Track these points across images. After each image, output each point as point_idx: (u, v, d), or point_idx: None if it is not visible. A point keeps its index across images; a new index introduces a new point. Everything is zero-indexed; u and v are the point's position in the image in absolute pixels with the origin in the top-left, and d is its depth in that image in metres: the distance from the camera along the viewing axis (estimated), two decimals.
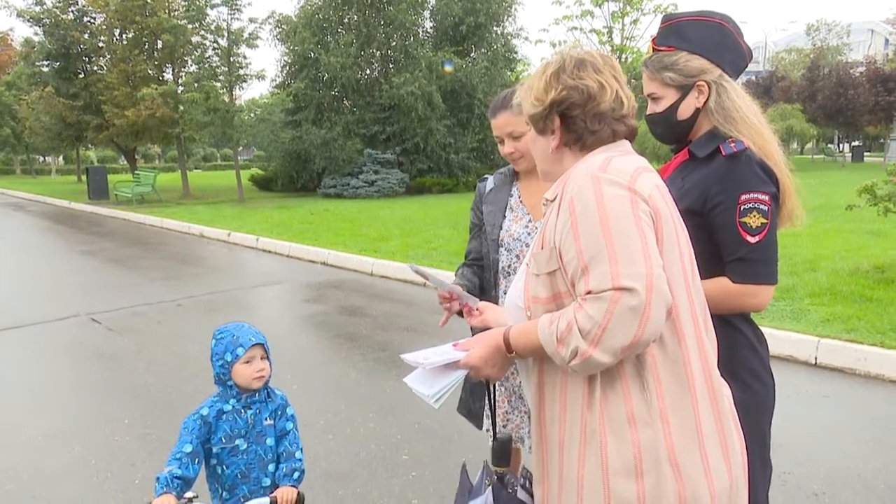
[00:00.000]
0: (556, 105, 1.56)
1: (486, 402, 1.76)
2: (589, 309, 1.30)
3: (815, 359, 5.34)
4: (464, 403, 2.73)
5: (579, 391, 1.43)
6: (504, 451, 1.79)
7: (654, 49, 2.01)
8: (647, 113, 2.08)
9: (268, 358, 2.24)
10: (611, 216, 1.35)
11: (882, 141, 44.05)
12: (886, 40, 63.73)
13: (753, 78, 41.22)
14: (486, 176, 2.69)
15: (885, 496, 3.38)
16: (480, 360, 1.58)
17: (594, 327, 1.28)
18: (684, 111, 1.98)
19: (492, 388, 1.78)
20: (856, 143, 44.71)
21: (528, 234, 2.42)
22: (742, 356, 1.91)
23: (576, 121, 1.55)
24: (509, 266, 2.44)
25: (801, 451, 3.85)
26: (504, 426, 2.50)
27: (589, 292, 1.32)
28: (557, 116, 1.57)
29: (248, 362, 2.18)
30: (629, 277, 1.28)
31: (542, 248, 1.49)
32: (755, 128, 1.95)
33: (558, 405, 1.49)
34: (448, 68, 22.69)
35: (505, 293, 2.36)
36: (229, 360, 2.18)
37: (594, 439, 1.40)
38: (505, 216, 2.48)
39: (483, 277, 2.54)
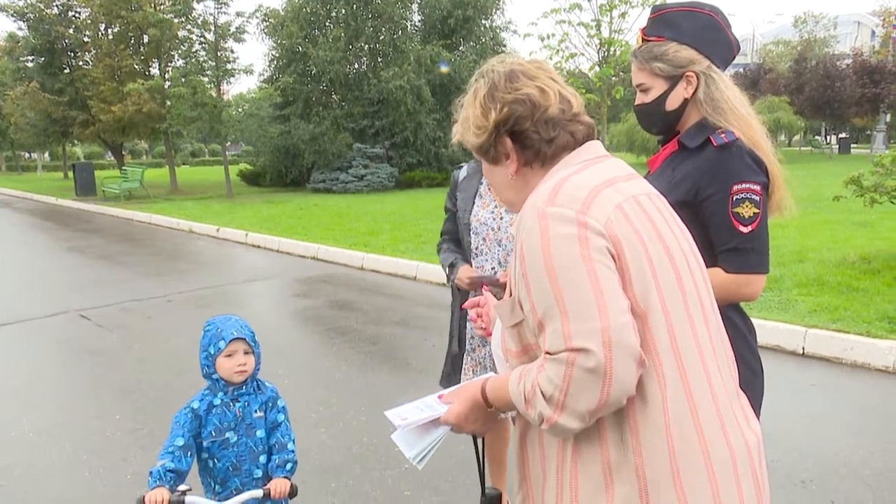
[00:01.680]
0: (502, 125, 1.41)
1: (476, 457, 1.71)
2: (549, 371, 1.17)
3: (803, 349, 5.39)
4: (445, 377, 2.97)
5: (554, 443, 1.33)
6: None
7: (643, 40, 2.02)
8: (636, 103, 2.09)
9: (254, 352, 2.24)
10: (557, 265, 1.19)
11: (868, 132, 44.36)
12: (873, 32, 64.03)
13: (741, 70, 41.32)
14: (461, 164, 3.00)
15: (871, 483, 3.43)
16: (459, 417, 1.44)
17: (556, 391, 1.16)
18: (673, 102, 1.99)
19: (479, 442, 1.69)
20: (843, 134, 44.98)
21: (493, 218, 2.74)
22: (734, 346, 1.93)
23: (528, 135, 1.41)
24: (476, 248, 2.79)
25: (789, 440, 3.90)
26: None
27: (547, 352, 1.19)
28: (507, 137, 1.42)
29: (229, 356, 2.19)
30: (581, 336, 1.14)
31: (509, 296, 1.36)
32: (744, 118, 1.96)
33: (538, 458, 1.38)
34: (445, 69, 22.68)
35: (477, 268, 2.77)
36: (212, 352, 2.19)
37: (565, 493, 1.30)
38: (475, 202, 2.79)
39: (461, 252, 2.89)
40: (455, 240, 2.91)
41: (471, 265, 2.80)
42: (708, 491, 1.23)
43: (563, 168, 1.38)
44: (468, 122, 1.48)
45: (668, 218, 1.38)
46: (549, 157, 1.42)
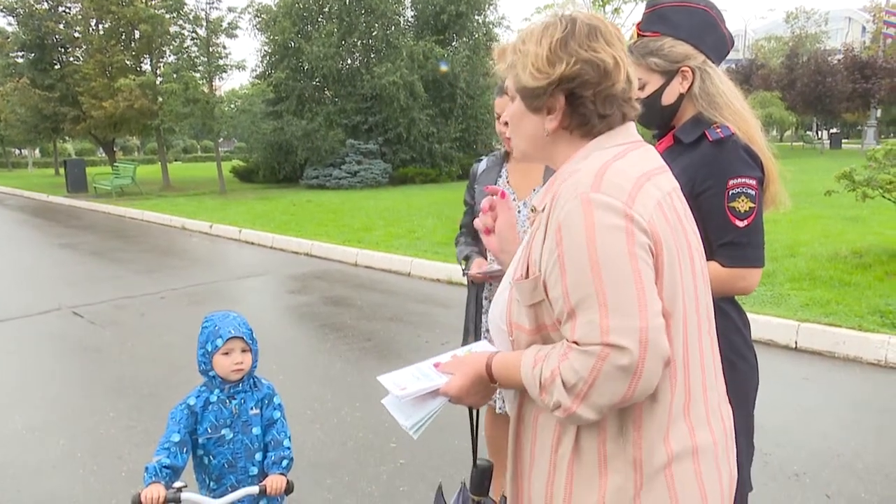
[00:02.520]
0: (566, 81, 1.29)
1: (470, 427, 1.72)
2: (574, 361, 1.15)
3: (795, 343, 5.42)
4: None
5: (550, 427, 1.32)
6: (483, 480, 1.76)
7: (638, 35, 2.02)
8: None
9: (251, 350, 2.24)
10: (602, 256, 1.15)
11: (859, 128, 44.47)
12: (864, 28, 64.29)
13: (733, 66, 41.37)
14: (480, 157, 3.01)
15: (863, 475, 3.45)
16: (461, 389, 1.41)
17: (579, 382, 1.14)
18: (669, 96, 2.00)
19: (474, 414, 1.70)
20: (834, 130, 45.13)
21: None
22: (729, 339, 1.94)
23: (585, 103, 1.31)
24: None
25: (782, 433, 3.92)
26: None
27: (575, 342, 1.16)
28: (562, 95, 1.31)
29: (227, 353, 2.19)
30: (621, 333, 1.12)
31: (527, 275, 1.30)
32: (739, 113, 1.97)
33: (531, 441, 1.38)
34: (444, 68, 22.67)
35: (491, 261, 2.76)
36: (210, 350, 2.18)
37: (560, 476, 1.30)
38: None
39: (478, 245, 2.89)
40: (473, 233, 2.92)
41: (486, 258, 2.82)
42: (695, 488, 1.26)
43: (599, 146, 1.32)
44: (527, 58, 1.32)
45: (690, 217, 1.36)
46: (593, 131, 1.34)
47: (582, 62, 1.28)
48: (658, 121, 2.08)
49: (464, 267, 2.87)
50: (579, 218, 1.18)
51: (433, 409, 1.46)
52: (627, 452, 1.24)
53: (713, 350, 1.36)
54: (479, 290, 2.91)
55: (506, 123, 1.46)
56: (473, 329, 2.95)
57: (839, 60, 35.89)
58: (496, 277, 2.70)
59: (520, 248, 1.43)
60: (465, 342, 3.02)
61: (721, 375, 1.41)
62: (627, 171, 1.25)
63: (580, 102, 1.31)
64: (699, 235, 1.39)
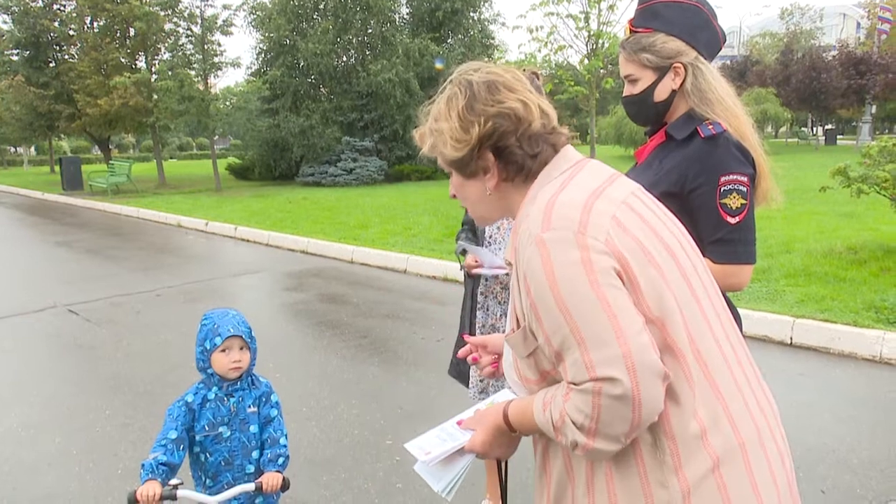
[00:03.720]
0: (486, 140, 1.34)
1: (498, 478, 1.73)
2: (576, 401, 1.16)
3: (791, 339, 5.43)
4: (454, 366, 3.07)
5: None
6: None
7: (631, 31, 2.03)
8: (624, 95, 2.09)
9: (249, 348, 2.24)
10: (566, 294, 1.16)
11: (854, 124, 44.62)
12: (858, 24, 64.36)
13: (728, 62, 41.45)
14: None
15: (858, 470, 3.47)
16: (484, 445, 1.41)
17: (586, 420, 1.15)
18: (661, 93, 2.00)
19: (503, 465, 1.69)
20: (829, 126, 45.22)
21: None
22: None
23: (512, 150, 1.34)
24: (490, 236, 2.90)
25: None
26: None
27: (572, 383, 1.18)
28: (489, 152, 1.35)
29: (225, 351, 2.19)
30: (605, 365, 1.12)
31: (516, 328, 1.32)
32: (731, 110, 1.97)
33: (563, 469, 1.35)
34: (440, 66, 22.65)
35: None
36: (208, 347, 2.18)
37: (601, 494, 1.27)
38: None
39: (476, 241, 2.97)
40: (473, 229, 2.99)
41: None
42: (747, 482, 1.23)
43: (544, 181, 1.35)
44: (443, 134, 1.38)
45: (658, 211, 1.35)
46: (532, 172, 1.36)
47: (493, 117, 1.33)
48: (650, 117, 2.08)
49: (460, 262, 2.90)
50: (538, 262, 1.19)
51: (462, 467, 1.47)
52: (667, 463, 1.21)
53: (734, 335, 1.34)
54: (474, 285, 2.93)
55: (454, 196, 1.51)
56: (469, 324, 2.96)
57: (834, 56, 35.94)
58: (487, 265, 2.78)
59: (509, 303, 1.44)
60: (459, 338, 3.04)
61: (750, 356, 1.38)
62: (574, 198, 1.25)
63: (508, 152, 1.34)
64: (680, 229, 1.38)
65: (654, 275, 1.22)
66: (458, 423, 1.52)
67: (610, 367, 1.12)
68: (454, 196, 1.51)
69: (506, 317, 2.80)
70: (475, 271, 2.84)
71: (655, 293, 1.21)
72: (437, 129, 1.39)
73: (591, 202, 1.25)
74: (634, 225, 1.25)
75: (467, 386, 3.01)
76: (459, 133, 1.34)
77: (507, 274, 2.70)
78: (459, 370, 2.99)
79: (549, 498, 1.39)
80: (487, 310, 2.93)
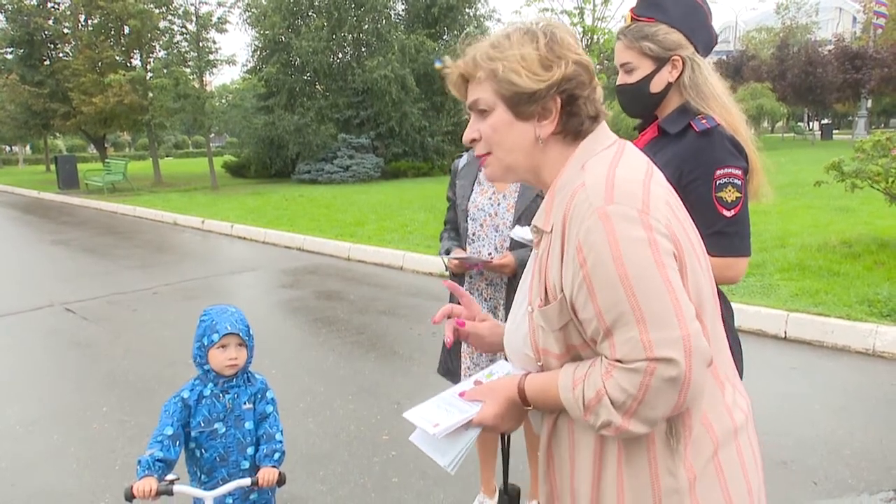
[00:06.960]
0: (563, 83, 1.28)
1: (500, 453, 1.67)
2: (620, 380, 1.13)
3: (785, 332, 5.46)
4: (442, 364, 3.02)
5: (590, 440, 1.29)
6: None
7: (633, 19, 2.03)
8: (618, 83, 2.08)
9: (247, 346, 2.25)
10: (632, 271, 1.13)
11: (850, 118, 44.70)
12: (854, 18, 64.49)
13: (724, 57, 41.46)
14: (461, 154, 3.04)
15: (850, 461, 3.50)
16: (496, 417, 1.36)
17: (628, 400, 1.13)
18: (657, 84, 2.01)
19: (506, 440, 1.65)
20: (825, 120, 45.24)
21: (491, 204, 2.79)
22: None
23: (581, 104, 1.30)
24: (473, 234, 2.85)
25: (770, 422, 3.96)
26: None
27: (618, 360, 1.14)
28: (559, 97, 1.29)
29: (222, 348, 2.20)
30: (666, 346, 1.10)
31: (546, 299, 1.27)
32: (725, 105, 1.99)
33: (568, 455, 1.34)
34: (439, 66, 22.61)
35: (473, 253, 2.83)
36: (206, 344, 2.20)
37: (607, 488, 1.27)
38: (473, 189, 2.85)
39: (460, 240, 2.95)
40: (456, 228, 2.98)
41: (465, 251, 2.86)
42: (738, 467, 1.28)
43: (588, 150, 1.31)
44: (524, 60, 1.27)
45: (680, 205, 1.33)
46: (582, 133, 1.32)
47: (575, 63, 1.28)
48: (643, 109, 2.09)
49: (444, 261, 2.90)
50: (601, 234, 1.15)
51: (467, 441, 1.40)
52: (678, 451, 1.22)
53: (722, 331, 1.37)
54: (459, 282, 2.93)
55: (472, 140, 1.39)
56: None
57: (830, 51, 36.03)
58: (473, 266, 2.77)
59: (526, 275, 1.40)
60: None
61: (728, 352, 1.42)
62: (632, 176, 1.22)
63: (576, 104, 1.30)
64: (693, 224, 1.39)
65: (696, 265, 1.24)
66: (461, 394, 1.45)
67: (670, 349, 1.10)
68: (473, 141, 1.39)
69: (492, 313, 2.79)
70: (513, 234, 2.70)
71: (696, 283, 1.22)
72: (507, 56, 1.28)
73: (648, 184, 1.23)
74: (680, 216, 1.26)
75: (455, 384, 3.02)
76: (538, 67, 1.27)
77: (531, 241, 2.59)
78: (447, 368, 2.97)
79: (555, 482, 1.38)
80: None
